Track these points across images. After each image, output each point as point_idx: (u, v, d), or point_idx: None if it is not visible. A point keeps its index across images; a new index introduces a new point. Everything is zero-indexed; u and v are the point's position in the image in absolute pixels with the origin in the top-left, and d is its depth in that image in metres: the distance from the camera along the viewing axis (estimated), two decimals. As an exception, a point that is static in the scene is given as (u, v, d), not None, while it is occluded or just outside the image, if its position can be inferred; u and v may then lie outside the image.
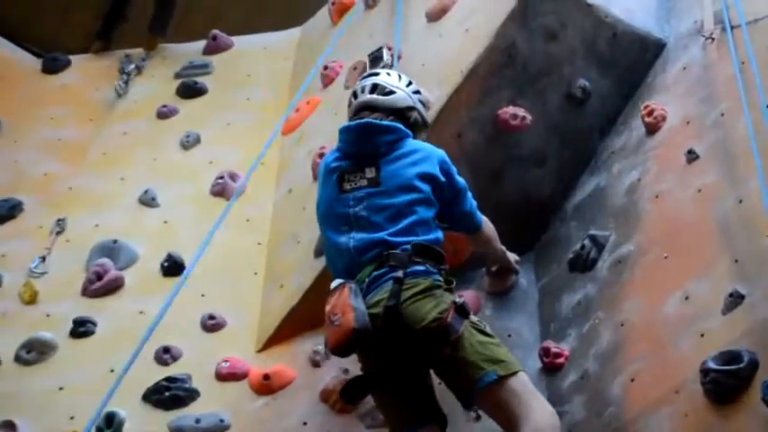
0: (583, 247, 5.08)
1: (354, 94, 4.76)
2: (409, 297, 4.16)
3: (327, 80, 6.70)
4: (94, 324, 5.61)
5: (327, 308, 4.21)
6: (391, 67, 5.62)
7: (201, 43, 7.90)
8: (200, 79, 7.45)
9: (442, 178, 4.52)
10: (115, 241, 6.07)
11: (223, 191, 6.37)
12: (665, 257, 4.58)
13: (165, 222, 6.27)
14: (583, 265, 5.06)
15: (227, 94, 7.31)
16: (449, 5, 5.98)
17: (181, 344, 5.42)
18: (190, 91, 7.36)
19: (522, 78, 5.46)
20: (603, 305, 4.78)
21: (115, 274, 5.87)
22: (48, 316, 5.72)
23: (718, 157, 4.63)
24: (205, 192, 6.43)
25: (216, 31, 7.87)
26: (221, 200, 6.30)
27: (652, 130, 5.18)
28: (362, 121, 4.60)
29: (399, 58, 5.95)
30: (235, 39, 7.91)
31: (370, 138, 4.55)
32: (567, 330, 4.91)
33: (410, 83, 4.80)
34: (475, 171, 5.19)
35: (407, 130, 4.62)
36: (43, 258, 6.04)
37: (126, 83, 7.55)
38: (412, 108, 4.72)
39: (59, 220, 6.28)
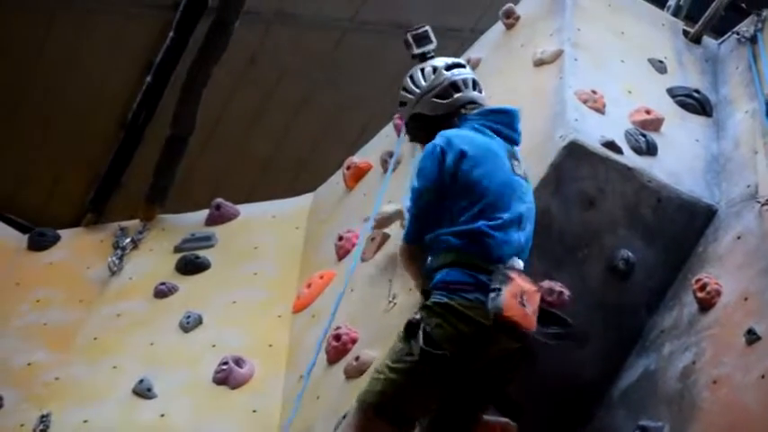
0: (633, 439, 4.99)
1: (455, 87, 5.09)
2: None
3: (342, 252, 6.72)
4: None
5: (520, 282, 4.60)
6: None
7: (204, 213, 7.95)
8: (202, 253, 7.46)
9: None
10: (105, 439, 6.01)
11: (227, 378, 6.31)
12: (728, 452, 4.49)
13: (162, 416, 6.18)
14: (634, 461, 4.96)
15: (233, 269, 7.31)
16: (474, 171, 6.03)
17: None
18: (191, 266, 7.38)
19: (559, 249, 5.46)
20: None
21: (105, 477, 5.79)
22: None
23: (782, 338, 4.59)
24: (207, 380, 6.36)
25: (219, 200, 7.93)
26: (225, 389, 6.25)
27: (706, 306, 5.15)
28: (515, 108, 5.14)
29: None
30: (240, 207, 7.97)
31: (516, 127, 5.08)
32: None
33: None
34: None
35: None
36: (24, 462, 5.98)
37: (120, 258, 7.59)
38: None
39: (43, 417, 6.22)
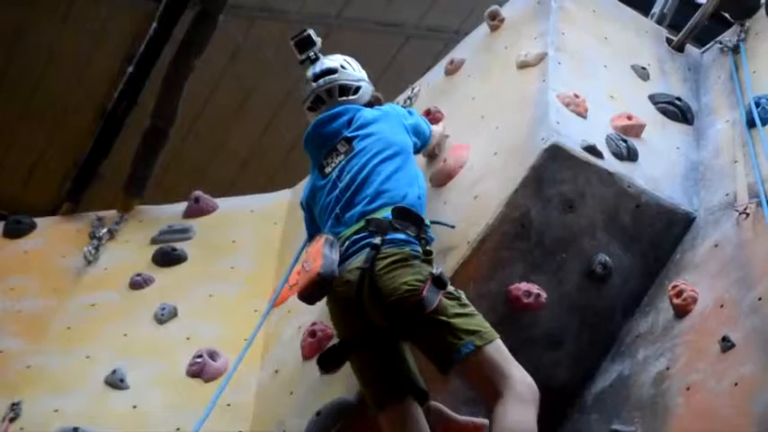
0: (605, 444, 5.02)
1: (320, 100, 5.60)
2: (384, 266, 4.79)
3: (320, 249, 6.71)
4: None
5: (303, 257, 5.06)
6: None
7: (182, 205, 7.93)
8: (179, 245, 7.44)
9: None
10: (76, 429, 5.97)
11: (201, 371, 6.31)
12: (699, 459, 4.51)
13: (135, 407, 6.18)
14: (606, 465, 4.98)
15: (209, 263, 7.30)
16: (455, 171, 6.04)
17: None
18: (167, 258, 7.36)
19: (537, 252, 5.48)
20: None
21: (75, 467, 5.77)
22: None
23: (756, 346, 4.60)
24: (180, 372, 6.36)
25: (198, 193, 7.90)
26: (199, 382, 6.25)
27: (681, 312, 5.17)
28: (334, 111, 5.55)
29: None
30: (219, 201, 7.95)
31: (330, 128, 5.51)
32: None
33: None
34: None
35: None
36: (-7, 449, 5.95)
37: (97, 249, 7.56)
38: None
39: (14, 404, 6.19)
